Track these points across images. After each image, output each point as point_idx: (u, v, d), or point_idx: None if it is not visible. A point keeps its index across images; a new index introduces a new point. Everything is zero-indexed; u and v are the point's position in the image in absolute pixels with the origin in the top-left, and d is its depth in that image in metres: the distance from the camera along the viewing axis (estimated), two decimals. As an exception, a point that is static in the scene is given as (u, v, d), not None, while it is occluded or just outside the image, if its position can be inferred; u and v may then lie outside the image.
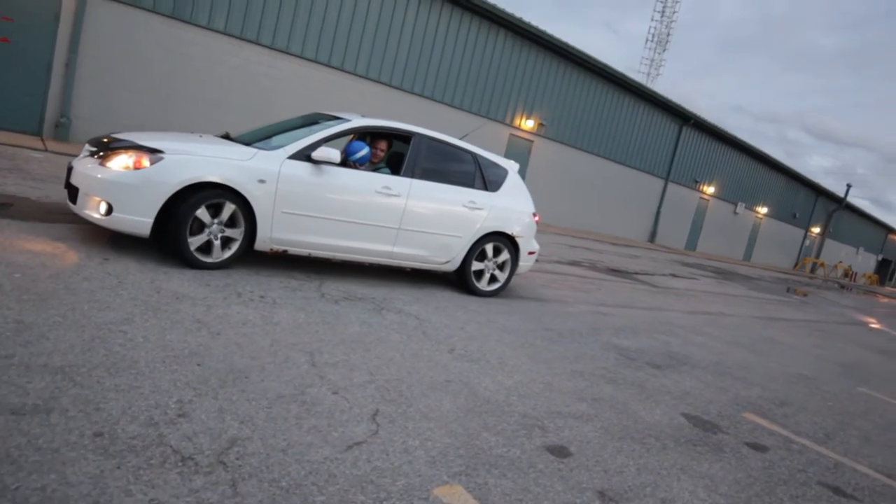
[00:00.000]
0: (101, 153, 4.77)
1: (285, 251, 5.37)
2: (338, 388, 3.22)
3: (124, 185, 4.55)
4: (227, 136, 5.73)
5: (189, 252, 4.75)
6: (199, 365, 3.06)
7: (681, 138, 24.50)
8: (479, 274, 6.65)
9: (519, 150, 18.14)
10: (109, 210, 4.55)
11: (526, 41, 17.41)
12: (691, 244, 27.97)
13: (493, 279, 6.75)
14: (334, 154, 5.25)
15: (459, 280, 6.67)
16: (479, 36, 16.27)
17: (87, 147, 5.06)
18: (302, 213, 5.26)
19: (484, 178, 6.62)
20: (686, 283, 13.52)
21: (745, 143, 27.84)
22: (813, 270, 38.53)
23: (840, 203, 39.33)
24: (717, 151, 27.18)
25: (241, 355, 3.32)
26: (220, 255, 4.94)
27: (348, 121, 5.78)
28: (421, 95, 15.37)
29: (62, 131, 10.41)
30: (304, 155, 5.24)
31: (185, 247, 4.71)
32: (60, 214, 5.42)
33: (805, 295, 18.64)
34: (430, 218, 6.12)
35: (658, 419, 4.11)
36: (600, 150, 21.17)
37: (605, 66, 19.59)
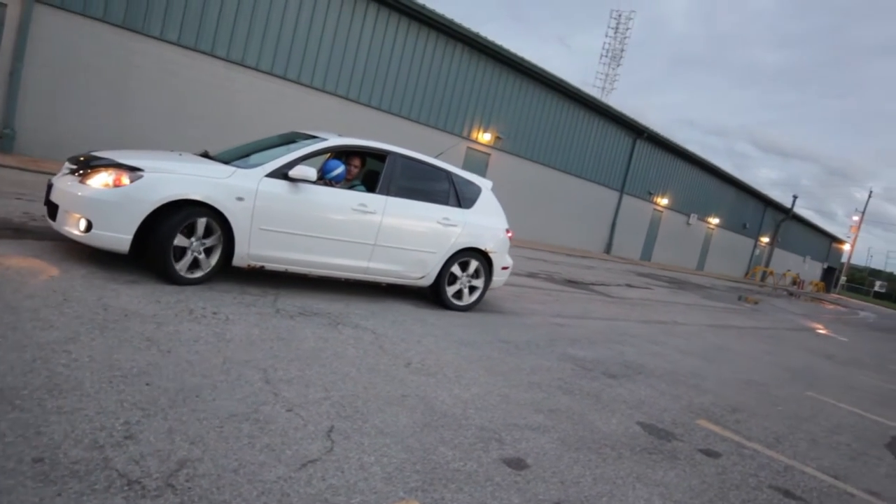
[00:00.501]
0: (81, 171, 4.81)
1: (262, 267, 5.44)
2: (292, 405, 3.18)
3: (104, 203, 4.60)
4: (205, 155, 5.80)
5: (173, 269, 4.84)
6: (147, 384, 2.98)
7: (635, 151, 25.02)
8: (453, 288, 6.76)
9: (476, 163, 18.26)
10: (89, 227, 4.60)
11: (483, 55, 17.59)
12: (646, 255, 28.52)
13: (468, 293, 6.87)
14: (311, 172, 5.33)
15: (434, 295, 6.75)
16: (437, 50, 16.37)
17: (67, 165, 5.08)
18: (279, 230, 5.34)
19: (458, 195, 6.75)
20: (641, 293, 13.76)
21: (696, 156, 28.60)
22: (763, 279, 39.67)
23: (787, 213, 40.69)
24: (670, 164, 27.85)
25: (193, 373, 3.24)
26: (195, 271, 5.03)
27: (325, 140, 5.90)
28: (378, 109, 15.37)
29: (6, 143, 10.08)
30: (281, 173, 5.31)
31: (169, 264, 4.81)
32: (6, 230, 5.24)
33: (755, 303, 19.16)
34: (405, 234, 6.24)
35: (614, 428, 4.16)
36: (557, 163, 21.47)
37: (561, 80, 19.92)
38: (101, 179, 4.68)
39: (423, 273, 6.50)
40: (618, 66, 61.82)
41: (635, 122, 24.06)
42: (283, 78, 13.40)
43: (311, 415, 3.12)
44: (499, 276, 7.17)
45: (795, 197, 41.29)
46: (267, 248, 5.33)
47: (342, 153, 6.44)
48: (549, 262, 15.40)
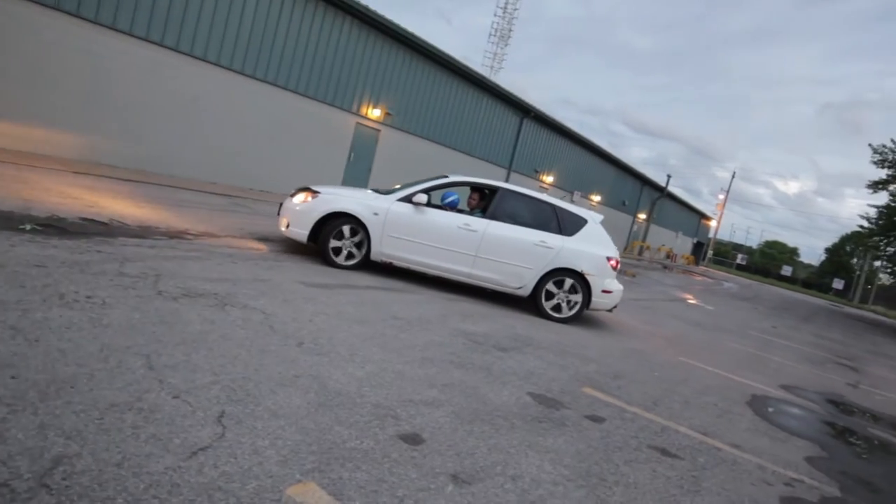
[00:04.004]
0: (293, 193, 7.80)
1: (391, 263, 7.70)
2: (179, 391, 3.04)
3: (296, 211, 7.53)
4: (375, 190, 8.07)
5: (330, 257, 7.47)
6: (13, 378, 2.74)
7: (522, 130, 25.62)
8: (552, 300, 7.95)
9: (366, 139, 18.05)
10: (288, 225, 7.55)
11: (373, 30, 17.25)
12: (532, 230, 29.34)
13: (566, 307, 7.98)
14: (423, 198, 7.57)
15: (533, 305, 8.04)
16: (325, 22, 15.89)
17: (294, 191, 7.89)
18: (401, 237, 7.57)
19: (560, 224, 8.04)
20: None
21: (579, 135, 29.71)
22: (640, 253, 42.06)
23: (662, 192, 43.26)
24: (556, 143, 28.77)
25: (66, 363, 3.02)
26: (350, 260, 7.55)
27: (446, 177, 8.03)
28: (265, 81, 14.73)
29: None
30: (407, 198, 7.61)
31: (327, 253, 7.45)
32: None
33: (633, 276, 20.31)
34: (502, 250, 7.76)
35: (506, 400, 4.30)
36: (446, 140, 21.60)
37: (451, 57, 19.97)
38: (299, 197, 7.61)
39: (520, 284, 7.88)
40: (506, 45, 62.72)
41: (523, 101, 24.59)
42: (160, 45, 12.47)
43: (200, 400, 2.99)
44: (600, 299, 8.05)
45: (669, 176, 44.06)
46: (393, 249, 7.59)
47: (471, 188, 8.43)
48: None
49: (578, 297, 7.95)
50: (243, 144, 14.69)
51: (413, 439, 3.24)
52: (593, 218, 8.31)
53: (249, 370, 3.55)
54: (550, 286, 7.92)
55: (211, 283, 5.26)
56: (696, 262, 54.42)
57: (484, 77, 22.51)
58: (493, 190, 8.15)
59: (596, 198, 34.17)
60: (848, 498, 4.27)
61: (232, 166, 14.57)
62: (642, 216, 42.60)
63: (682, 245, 53.07)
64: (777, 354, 10.70)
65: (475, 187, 8.39)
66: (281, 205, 7.81)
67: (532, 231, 7.89)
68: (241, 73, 14.21)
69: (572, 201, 31.63)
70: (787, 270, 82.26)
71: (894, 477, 5.16)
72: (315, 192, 7.51)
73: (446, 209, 7.93)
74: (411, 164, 20.07)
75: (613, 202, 36.81)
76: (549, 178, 28.83)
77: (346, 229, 7.41)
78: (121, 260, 5.20)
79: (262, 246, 7.63)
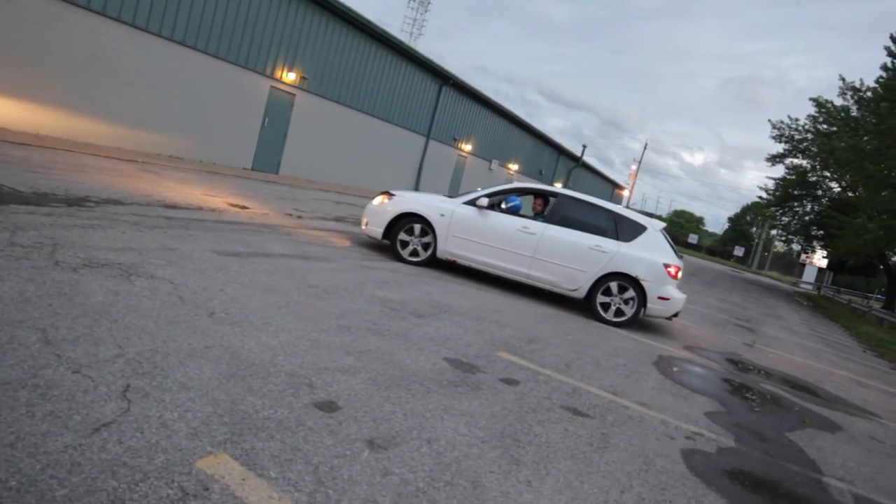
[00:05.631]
0: (377, 196, 8.75)
1: (455, 261, 8.41)
2: (79, 365, 2.89)
3: (373, 211, 8.59)
4: (450, 195, 8.80)
5: (399, 253, 8.37)
6: None
7: (441, 97, 25.51)
8: (606, 305, 8.18)
9: (280, 104, 17.49)
10: (367, 224, 8.61)
11: (285, -12, 16.63)
12: (451, 198, 29.50)
13: (619, 313, 8.16)
14: (484, 201, 8.24)
15: (588, 307, 8.35)
16: (234, -22, 15.16)
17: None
18: (464, 237, 8.25)
19: (618, 230, 8.24)
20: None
21: (498, 104, 29.89)
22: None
23: (577, 162, 44.31)
24: (474, 111, 28.83)
25: (-50, 338, 2.81)
26: (416, 257, 8.38)
27: (510, 184, 9.30)
28: (170, 39, 13.90)
29: None
30: (471, 202, 8.32)
31: (396, 249, 8.37)
32: None
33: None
34: (557, 253, 8.13)
35: (422, 365, 4.34)
36: (363, 106, 21.24)
37: (370, 22, 19.54)
38: (378, 199, 8.64)
39: (574, 286, 8.19)
40: (426, 11, 62.01)
41: (442, 68, 24.43)
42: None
43: (103, 375, 2.86)
44: (656, 305, 8.14)
45: (584, 146, 45.12)
46: (456, 248, 8.29)
47: (533, 193, 9.01)
48: (356, 207, 15.38)
49: (633, 302, 8.09)
50: (149, 108, 13.91)
51: (328, 407, 3.22)
52: (653, 225, 8.48)
53: (157, 342, 3.42)
54: (605, 290, 8.13)
55: (115, 252, 5.00)
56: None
57: (403, 43, 22.20)
58: (554, 195, 8.76)
59: (514, 166, 34.62)
60: (741, 448, 4.60)
61: (137, 131, 13.79)
62: (559, 185, 43.58)
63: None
64: (682, 318, 11.29)
65: (538, 193, 8.98)
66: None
67: (588, 235, 8.16)
68: (145, 29, 13.36)
69: (490, 170, 32.03)
70: (693, 239, 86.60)
71: (781, 426, 5.59)
72: (391, 195, 8.53)
73: (508, 213, 8.49)
74: (328, 130, 19.67)
75: (531, 171, 37.42)
76: (467, 147, 28.95)
77: (416, 227, 8.28)
78: (12, 229, 4.86)
79: (172, 213, 7.31)
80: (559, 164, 42.01)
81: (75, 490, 2.03)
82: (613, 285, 8.12)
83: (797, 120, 36.78)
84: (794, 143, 36.96)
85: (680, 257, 8.58)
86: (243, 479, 2.37)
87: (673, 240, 9.22)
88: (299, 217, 10.26)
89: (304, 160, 18.94)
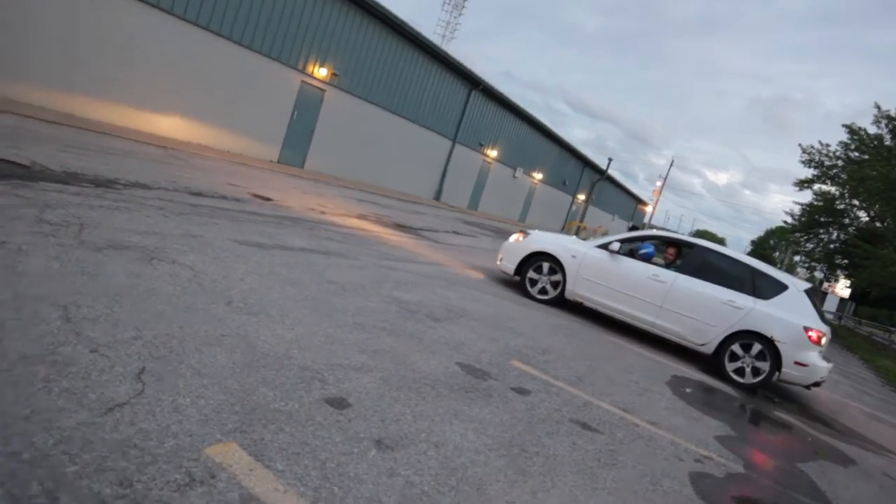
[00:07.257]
0: (513, 234, 9.08)
1: (581, 303, 8.50)
2: (97, 345, 2.93)
3: (507, 248, 8.98)
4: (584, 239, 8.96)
5: (527, 289, 8.63)
6: (-85, 321, 2.59)
7: (469, 102, 25.54)
8: (740, 369, 7.68)
9: (310, 99, 17.62)
10: (502, 259, 8.96)
11: (322, -15, 16.77)
12: (473, 204, 29.57)
13: (751, 373, 7.64)
14: (616, 245, 8.18)
15: (715, 364, 7.92)
16: (272, -28, 15.31)
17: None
18: (594, 280, 8.28)
19: (755, 286, 7.82)
20: (466, 241, 14.29)
21: (526, 112, 29.85)
22: (577, 233, 42.91)
23: (602, 175, 44.07)
24: (502, 118, 28.81)
25: (-26, 310, 2.86)
26: (544, 295, 8.55)
27: (645, 231, 9.55)
28: (196, 24, 13.94)
29: None
30: (604, 246, 8.32)
31: (525, 286, 8.67)
32: None
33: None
34: (686, 303, 7.85)
35: (434, 368, 4.34)
36: (392, 105, 21.32)
37: (403, 22, 19.64)
38: (514, 237, 9.02)
39: (703, 341, 7.83)
40: (460, 14, 62.16)
41: (472, 73, 24.47)
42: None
43: (120, 355, 2.90)
44: (791, 370, 7.48)
45: (610, 160, 44.88)
46: (585, 290, 8.35)
47: (665, 242, 9.02)
48: (379, 206, 15.44)
49: (766, 365, 7.54)
50: (179, 95, 14.09)
51: (339, 403, 3.23)
52: (796, 285, 7.90)
53: (174, 327, 3.46)
54: (736, 348, 7.67)
55: (139, 235, 5.07)
56: (630, 246, 55.79)
57: (435, 45, 22.27)
58: (689, 245, 8.66)
59: (538, 175, 34.54)
60: (751, 475, 4.53)
61: (166, 117, 13.97)
62: (581, 197, 43.39)
63: (618, 228, 54.40)
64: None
65: (672, 242, 8.91)
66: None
67: (721, 289, 7.80)
68: (183, 18, 13.54)
69: (514, 177, 31.99)
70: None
71: (792, 456, 5.50)
72: (526, 234, 8.89)
73: (641, 259, 8.35)
74: (356, 127, 19.76)
75: (554, 181, 37.31)
76: (492, 153, 28.94)
77: (545, 266, 8.49)
78: (41, 206, 4.95)
79: (198, 200, 7.39)
80: (583, 176, 41.83)
81: (86, 468, 2.05)
82: (745, 344, 7.63)
83: (828, 146, 36.19)
84: (824, 168, 36.39)
85: (826, 323, 7.91)
86: (251, 470, 2.38)
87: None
88: (322, 212, 10.32)
89: (330, 156, 19.05)
